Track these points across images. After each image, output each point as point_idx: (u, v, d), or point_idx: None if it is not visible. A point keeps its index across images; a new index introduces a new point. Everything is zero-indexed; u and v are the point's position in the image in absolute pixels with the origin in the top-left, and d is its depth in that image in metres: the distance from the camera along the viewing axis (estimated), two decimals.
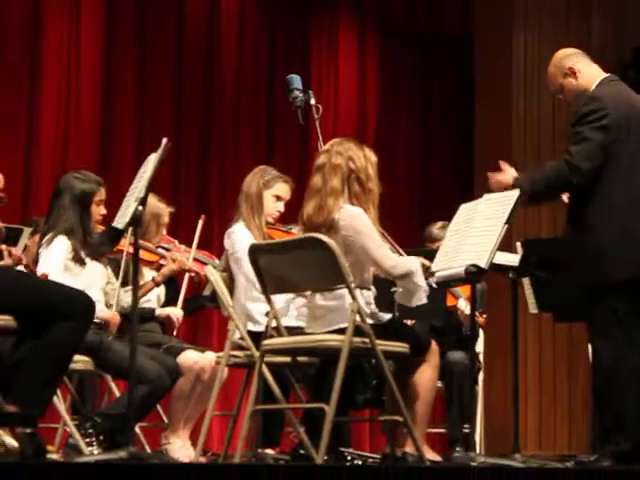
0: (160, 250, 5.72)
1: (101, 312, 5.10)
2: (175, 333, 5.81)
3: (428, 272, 4.83)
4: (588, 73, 4.81)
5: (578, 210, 4.67)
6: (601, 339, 4.54)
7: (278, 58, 8.81)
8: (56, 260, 5.10)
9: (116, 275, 5.37)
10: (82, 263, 5.16)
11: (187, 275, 5.78)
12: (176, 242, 5.85)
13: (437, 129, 9.72)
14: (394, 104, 9.47)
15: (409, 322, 5.62)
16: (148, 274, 5.69)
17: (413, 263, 4.68)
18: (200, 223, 5.91)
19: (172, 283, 5.84)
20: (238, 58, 8.61)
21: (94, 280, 5.22)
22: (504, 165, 4.90)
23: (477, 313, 5.50)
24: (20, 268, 4.63)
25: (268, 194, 5.44)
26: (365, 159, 4.73)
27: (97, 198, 5.26)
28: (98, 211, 5.28)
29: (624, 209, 4.58)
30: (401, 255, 5.05)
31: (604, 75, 4.82)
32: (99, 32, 7.94)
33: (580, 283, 4.66)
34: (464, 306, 6.06)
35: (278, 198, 5.48)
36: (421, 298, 4.64)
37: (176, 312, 5.78)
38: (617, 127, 4.60)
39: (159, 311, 5.75)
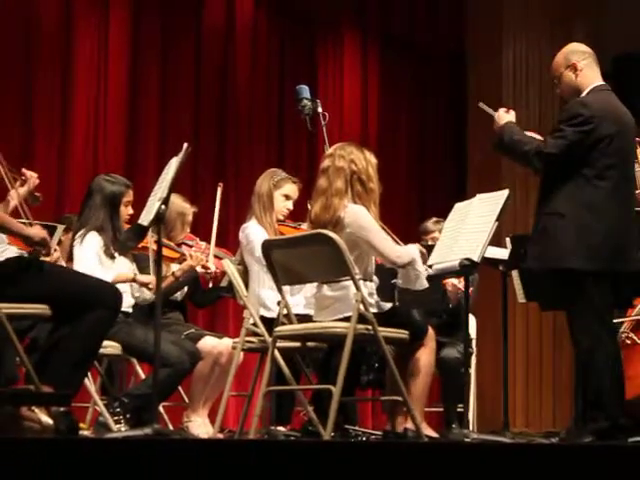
0: (184, 246, 5.74)
1: (140, 277, 5.25)
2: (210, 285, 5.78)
3: (424, 258, 4.85)
4: (588, 75, 4.63)
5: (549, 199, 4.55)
6: (578, 327, 4.51)
7: (288, 70, 8.80)
8: (91, 254, 5.15)
9: (140, 270, 5.41)
10: (112, 257, 5.21)
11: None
12: (197, 239, 5.87)
13: (433, 135, 9.72)
14: (394, 111, 9.47)
15: None
16: (173, 268, 5.69)
17: (413, 251, 4.70)
18: (219, 190, 5.86)
19: (194, 279, 5.84)
20: (251, 68, 8.60)
21: (122, 273, 5.26)
22: (510, 111, 4.75)
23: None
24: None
25: (278, 194, 5.47)
26: (366, 161, 4.74)
27: (125, 199, 5.29)
28: (126, 211, 5.31)
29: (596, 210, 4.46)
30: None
31: (598, 82, 4.65)
32: (126, 44, 7.92)
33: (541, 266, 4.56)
34: (455, 281, 6.03)
35: (287, 197, 5.50)
36: (422, 283, 4.66)
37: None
38: (598, 134, 4.46)
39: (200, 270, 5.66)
